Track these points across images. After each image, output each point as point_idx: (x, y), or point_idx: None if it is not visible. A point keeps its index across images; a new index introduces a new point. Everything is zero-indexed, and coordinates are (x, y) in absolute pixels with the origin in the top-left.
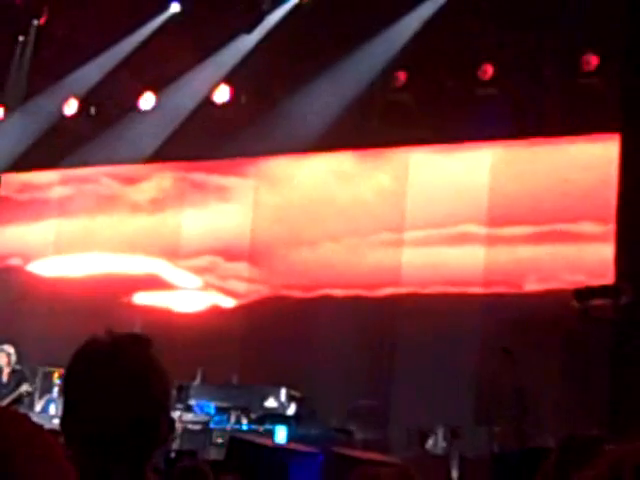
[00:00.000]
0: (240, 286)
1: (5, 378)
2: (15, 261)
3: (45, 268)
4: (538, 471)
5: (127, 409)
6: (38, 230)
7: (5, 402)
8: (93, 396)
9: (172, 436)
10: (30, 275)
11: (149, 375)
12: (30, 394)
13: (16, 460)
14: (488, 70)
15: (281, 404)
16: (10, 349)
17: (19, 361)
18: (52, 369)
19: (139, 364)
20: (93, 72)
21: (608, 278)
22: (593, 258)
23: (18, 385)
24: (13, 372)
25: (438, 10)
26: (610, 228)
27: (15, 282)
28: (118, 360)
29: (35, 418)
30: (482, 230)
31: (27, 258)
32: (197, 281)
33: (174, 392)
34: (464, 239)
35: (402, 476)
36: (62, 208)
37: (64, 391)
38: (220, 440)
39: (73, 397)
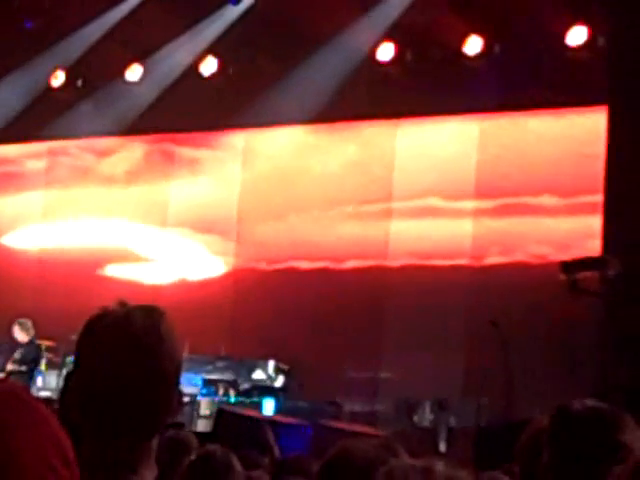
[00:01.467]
0: (223, 259)
1: (21, 351)
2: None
3: (27, 240)
4: (519, 443)
5: (136, 380)
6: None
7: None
8: (102, 366)
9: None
10: (7, 249)
11: (160, 347)
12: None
13: (9, 430)
14: (476, 43)
15: (269, 376)
16: (28, 322)
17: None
18: (40, 342)
19: (150, 336)
20: (79, 43)
21: (597, 251)
22: (582, 230)
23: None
24: (27, 345)
25: None
26: (598, 200)
27: None
28: (129, 331)
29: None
30: (469, 204)
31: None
32: (174, 252)
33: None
34: (451, 212)
35: (385, 448)
36: (35, 180)
37: (74, 360)
38: (208, 412)
39: (82, 367)
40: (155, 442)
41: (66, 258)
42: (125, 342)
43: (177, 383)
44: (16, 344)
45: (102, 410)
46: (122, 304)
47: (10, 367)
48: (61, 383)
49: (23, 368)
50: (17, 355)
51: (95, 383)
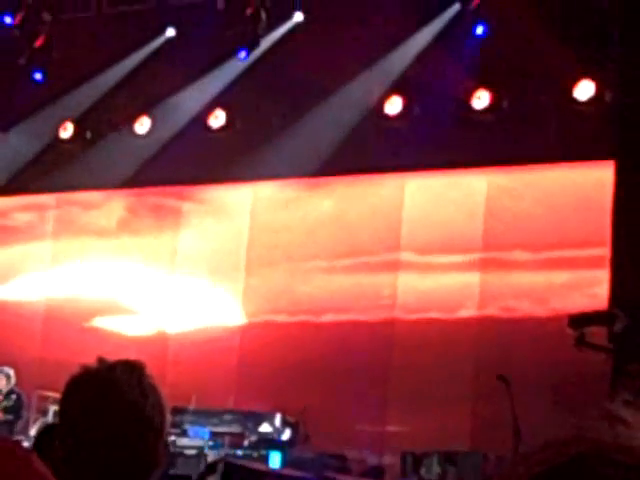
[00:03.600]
0: (230, 312)
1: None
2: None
3: (33, 289)
4: None
5: (123, 437)
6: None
7: None
8: (88, 426)
9: (166, 460)
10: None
11: (144, 402)
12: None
13: None
14: (484, 96)
15: (276, 429)
16: (10, 371)
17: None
18: (47, 393)
19: (134, 392)
20: (88, 95)
21: (603, 304)
22: (588, 284)
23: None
24: (9, 393)
25: (434, 38)
26: (605, 254)
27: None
28: (112, 389)
29: (28, 443)
30: (476, 256)
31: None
32: (181, 304)
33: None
34: (458, 265)
35: None
36: (43, 231)
37: (59, 421)
38: (218, 467)
39: (68, 427)
40: None
41: (71, 308)
42: (110, 400)
43: (164, 434)
44: None
45: (91, 467)
46: (102, 361)
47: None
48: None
49: (9, 417)
50: (1, 404)
51: (82, 441)
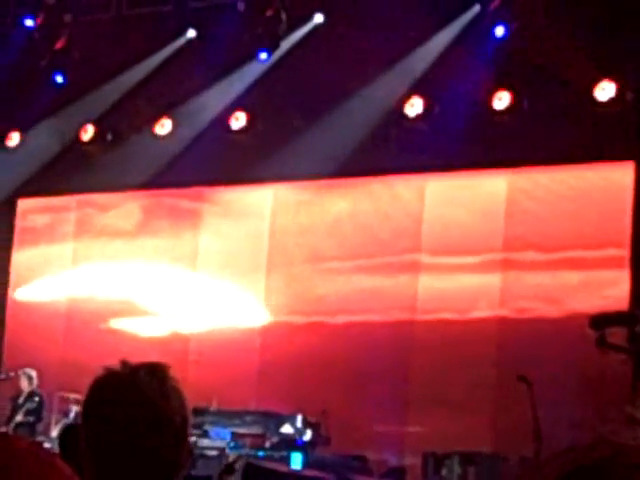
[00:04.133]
0: (251, 312)
1: (22, 400)
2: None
3: (54, 291)
4: None
5: (145, 440)
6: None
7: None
8: (111, 429)
9: (189, 462)
10: (34, 300)
11: (167, 404)
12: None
13: None
14: (504, 97)
15: (297, 430)
16: (32, 373)
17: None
18: (68, 394)
19: (155, 394)
20: (109, 97)
21: (624, 305)
22: (609, 285)
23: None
24: (30, 394)
25: (454, 39)
26: (625, 255)
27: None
28: (135, 391)
29: (50, 444)
30: (496, 256)
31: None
32: (202, 304)
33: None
34: (480, 265)
35: None
36: (64, 233)
37: (82, 423)
38: (236, 466)
39: (90, 429)
40: None
41: (92, 309)
42: (133, 403)
43: (186, 436)
44: (19, 394)
45: (114, 469)
46: (124, 363)
47: (20, 418)
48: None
49: (31, 419)
50: (24, 406)
51: (106, 445)
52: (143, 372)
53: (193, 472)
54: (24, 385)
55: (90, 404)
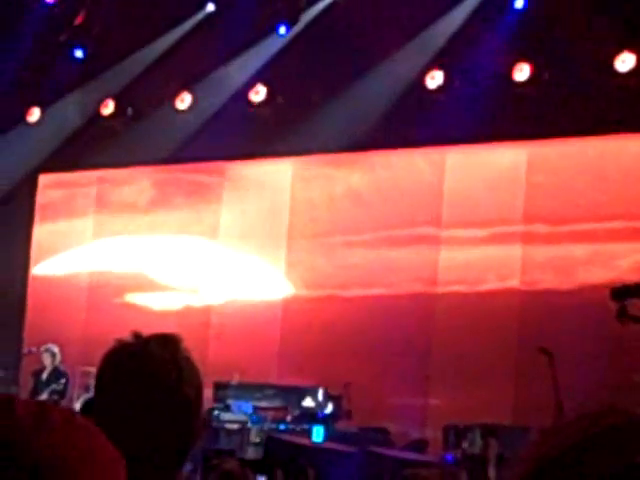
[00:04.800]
0: (272, 286)
1: (45, 376)
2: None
3: (77, 265)
4: None
5: (157, 412)
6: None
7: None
8: (122, 400)
9: (202, 434)
10: (58, 275)
11: (180, 376)
12: (59, 393)
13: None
14: (525, 69)
15: (318, 404)
16: (55, 349)
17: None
18: (89, 368)
19: (167, 366)
20: (129, 71)
21: None
22: (629, 256)
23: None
24: (54, 371)
25: (474, 11)
26: None
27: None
28: (147, 363)
29: None
30: (517, 228)
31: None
32: (223, 277)
33: (211, 392)
34: (500, 237)
35: (446, 477)
36: (85, 207)
37: (95, 397)
38: (258, 440)
39: (102, 402)
40: (186, 470)
41: (114, 284)
42: (145, 375)
43: (200, 407)
44: (42, 370)
45: (126, 441)
46: (137, 336)
47: (45, 397)
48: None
49: (55, 397)
50: (49, 385)
51: (118, 418)
52: (154, 343)
53: (215, 446)
54: (47, 362)
55: (102, 376)
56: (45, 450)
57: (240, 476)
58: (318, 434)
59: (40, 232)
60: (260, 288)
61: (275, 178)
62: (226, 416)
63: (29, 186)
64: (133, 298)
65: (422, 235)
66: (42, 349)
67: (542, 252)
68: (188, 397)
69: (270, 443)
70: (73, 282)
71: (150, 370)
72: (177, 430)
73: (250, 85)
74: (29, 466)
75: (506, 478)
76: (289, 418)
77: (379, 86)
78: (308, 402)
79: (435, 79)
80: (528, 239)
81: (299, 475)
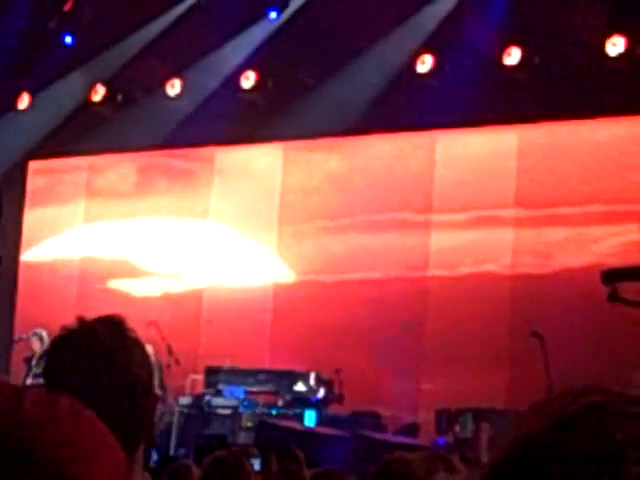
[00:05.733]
0: (263, 270)
1: (35, 361)
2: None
3: (67, 250)
4: None
5: (108, 395)
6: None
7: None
8: (72, 385)
9: (159, 415)
10: (49, 259)
11: (131, 358)
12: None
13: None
14: (515, 53)
15: (310, 388)
16: (43, 333)
17: None
18: None
19: (116, 348)
20: (119, 57)
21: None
22: (625, 238)
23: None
24: (42, 357)
25: None
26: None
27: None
28: (94, 347)
29: None
30: (508, 212)
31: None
32: (214, 261)
33: (202, 377)
34: (490, 221)
35: (433, 460)
36: (76, 193)
37: (44, 382)
38: (249, 424)
39: (53, 386)
40: (140, 452)
41: (103, 269)
42: (92, 355)
43: (151, 388)
44: (33, 355)
45: None
46: (81, 319)
47: (30, 381)
48: None
49: (40, 381)
50: (35, 369)
51: None
52: (101, 327)
53: (207, 431)
54: (36, 346)
55: (49, 362)
56: (52, 442)
57: (233, 462)
58: (310, 419)
59: (30, 218)
60: (251, 273)
61: (266, 163)
62: (218, 401)
63: (19, 172)
64: (124, 284)
65: (413, 220)
66: (30, 334)
67: (533, 235)
68: (139, 378)
69: (262, 428)
70: (63, 268)
71: (98, 351)
72: (131, 412)
73: (241, 70)
74: (35, 459)
75: (491, 457)
76: (281, 403)
77: (369, 71)
78: (300, 387)
79: (425, 63)
80: (519, 223)
81: (291, 459)
